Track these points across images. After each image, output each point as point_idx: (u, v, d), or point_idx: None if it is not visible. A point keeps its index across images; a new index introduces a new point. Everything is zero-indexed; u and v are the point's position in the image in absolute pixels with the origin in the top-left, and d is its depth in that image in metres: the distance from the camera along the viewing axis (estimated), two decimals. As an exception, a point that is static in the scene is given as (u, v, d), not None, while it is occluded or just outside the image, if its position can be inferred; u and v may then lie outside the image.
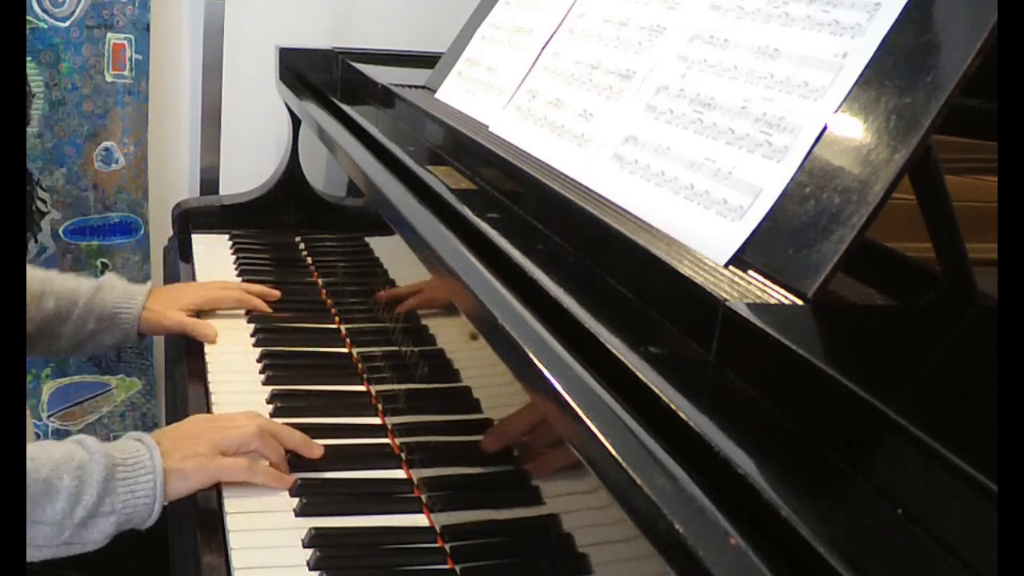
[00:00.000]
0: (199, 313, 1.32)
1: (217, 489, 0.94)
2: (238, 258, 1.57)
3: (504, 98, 1.09)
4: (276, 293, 1.38)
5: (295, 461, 0.99)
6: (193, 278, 1.49)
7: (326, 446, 1.01)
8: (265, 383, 1.17)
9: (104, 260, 1.88)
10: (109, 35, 1.75)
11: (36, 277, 1.22)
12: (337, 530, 0.89)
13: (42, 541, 0.84)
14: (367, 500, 0.95)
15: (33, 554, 0.85)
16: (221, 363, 1.22)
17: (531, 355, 0.64)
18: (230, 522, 0.89)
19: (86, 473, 0.86)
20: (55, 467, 0.85)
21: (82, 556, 0.88)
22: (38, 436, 1.74)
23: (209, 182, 1.93)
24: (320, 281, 1.49)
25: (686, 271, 0.63)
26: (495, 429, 0.83)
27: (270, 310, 1.35)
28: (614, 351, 0.60)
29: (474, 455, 0.85)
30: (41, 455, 0.85)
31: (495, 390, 0.84)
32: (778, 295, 0.61)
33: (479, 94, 1.16)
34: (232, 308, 1.35)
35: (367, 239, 1.33)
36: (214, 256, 1.59)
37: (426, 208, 0.93)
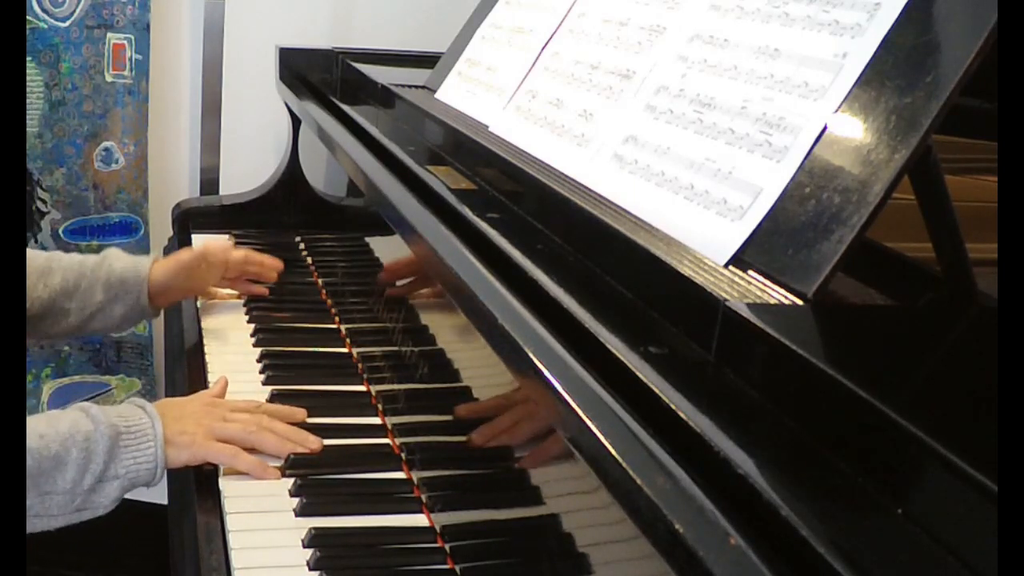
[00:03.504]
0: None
1: (217, 489, 0.95)
2: (238, 258, 1.57)
3: (504, 98, 1.09)
4: (277, 266, 1.38)
5: (295, 460, 0.99)
6: (193, 278, 1.49)
7: (326, 446, 1.01)
8: (265, 383, 1.17)
9: (104, 260, 1.87)
10: (109, 35, 1.75)
11: (41, 255, 1.22)
12: (337, 530, 0.89)
13: (56, 510, 0.90)
14: (367, 500, 0.95)
15: (49, 523, 0.90)
16: (221, 363, 1.22)
17: (531, 355, 0.64)
18: (230, 522, 0.89)
19: (92, 444, 0.91)
20: (63, 441, 0.90)
21: (82, 556, 0.89)
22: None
23: (209, 182, 1.93)
24: (320, 281, 1.49)
25: (686, 271, 0.63)
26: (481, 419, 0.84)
27: (274, 276, 1.36)
28: (614, 351, 0.60)
29: (474, 455, 0.85)
30: (49, 431, 0.90)
31: (495, 390, 0.84)
32: (778, 295, 0.61)
33: (479, 94, 1.16)
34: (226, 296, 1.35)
35: (367, 239, 1.33)
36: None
37: (426, 208, 0.93)
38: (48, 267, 1.20)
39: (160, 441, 0.95)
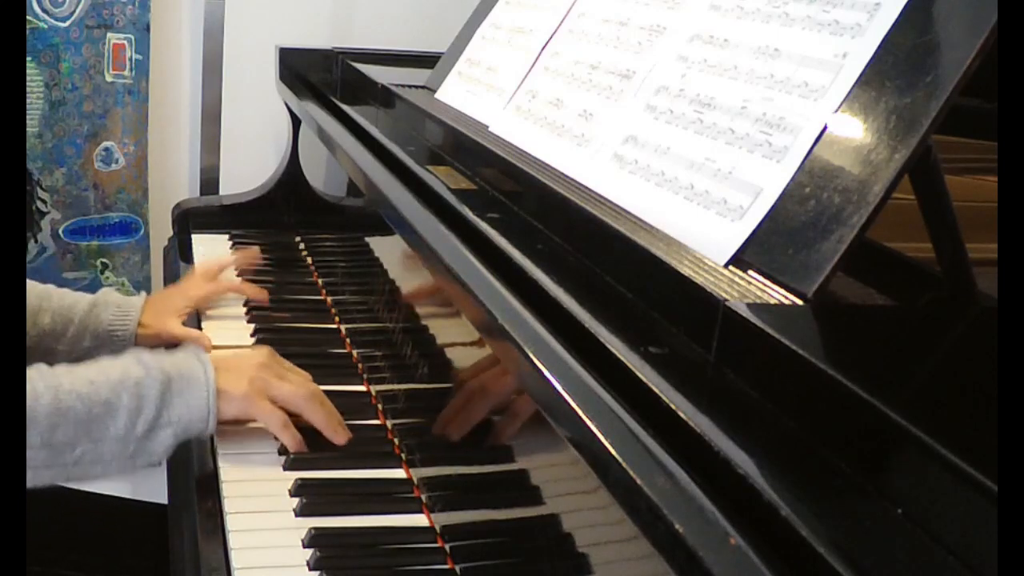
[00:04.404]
0: (200, 316, 1.32)
1: (217, 489, 0.95)
2: (238, 258, 1.57)
3: (504, 98, 1.09)
4: (264, 294, 1.38)
5: (295, 459, 0.99)
6: (193, 278, 1.49)
7: (326, 446, 1.01)
8: (265, 383, 1.17)
9: (104, 260, 1.88)
10: (109, 35, 1.75)
11: (34, 292, 1.22)
12: (337, 530, 0.89)
13: (110, 457, 0.90)
14: (367, 500, 0.95)
15: (104, 469, 0.91)
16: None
17: (531, 355, 0.64)
18: (230, 522, 0.89)
19: (143, 389, 0.91)
20: (113, 387, 0.90)
21: (82, 556, 0.89)
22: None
23: (209, 182, 1.93)
24: (320, 281, 1.49)
25: (686, 271, 0.63)
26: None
27: (264, 294, 1.36)
28: (614, 351, 0.60)
29: (474, 455, 0.85)
30: (100, 377, 0.91)
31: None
32: (778, 295, 0.61)
33: (479, 94, 1.16)
34: (225, 294, 1.35)
35: (367, 239, 1.33)
36: (214, 256, 1.59)
37: (426, 208, 0.93)
38: (39, 307, 1.21)
39: (212, 388, 0.94)
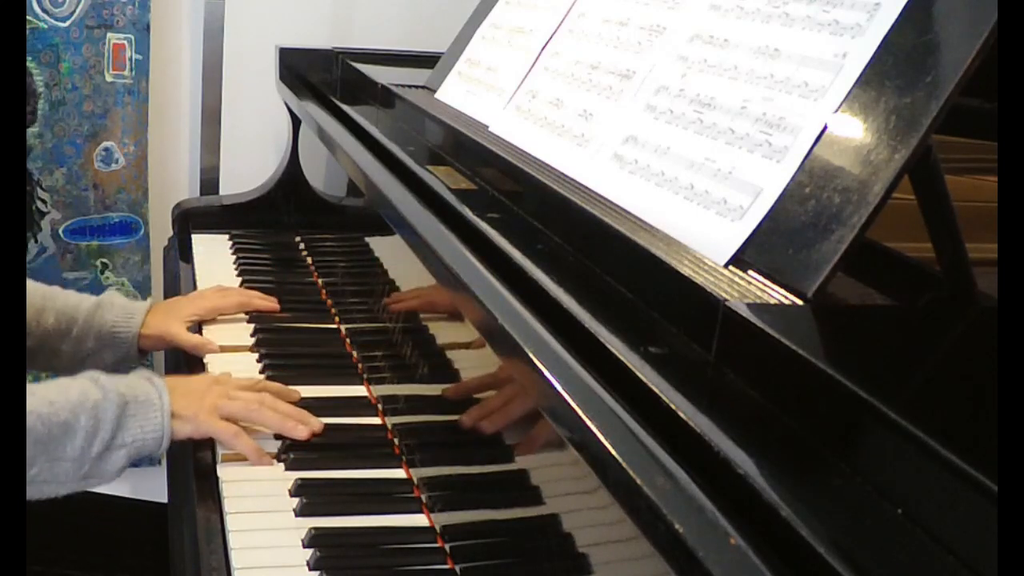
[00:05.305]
0: (201, 324, 1.32)
1: (217, 489, 0.95)
2: (238, 258, 1.57)
3: (504, 98, 1.09)
4: (275, 306, 1.36)
5: (295, 459, 0.99)
6: (193, 278, 1.49)
7: (326, 446, 1.01)
8: (265, 383, 1.17)
9: (104, 260, 1.88)
10: (109, 35, 1.75)
11: (38, 292, 1.22)
12: (337, 530, 0.89)
13: (64, 477, 0.92)
14: (367, 500, 0.95)
15: (57, 489, 0.93)
16: (221, 363, 1.22)
17: (531, 355, 0.64)
18: (230, 522, 0.89)
19: (101, 411, 0.93)
20: (72, 408, 0.92)
21: (82, 556, 0.88)
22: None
23: (209, 182, 1.93)
24: (320, 281, 1.49)
25: (686, 271, 0.63)
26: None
27: (275, 307, 1.35)
28: (614, 351, 0.60)
29: (474, 455, 0.85)
30: (59, 398, 0.92)
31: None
32: (778, 295, 0.61)
33: (479, 94, 1.16)
34: (235, 313, 1.34)
35: (367, 239, 1.33)
36: (214, 256, 1.59)
37: (426, 208, 0.93)
38: (43, 306, 1.21)
39: (167, 412, 0.97)
